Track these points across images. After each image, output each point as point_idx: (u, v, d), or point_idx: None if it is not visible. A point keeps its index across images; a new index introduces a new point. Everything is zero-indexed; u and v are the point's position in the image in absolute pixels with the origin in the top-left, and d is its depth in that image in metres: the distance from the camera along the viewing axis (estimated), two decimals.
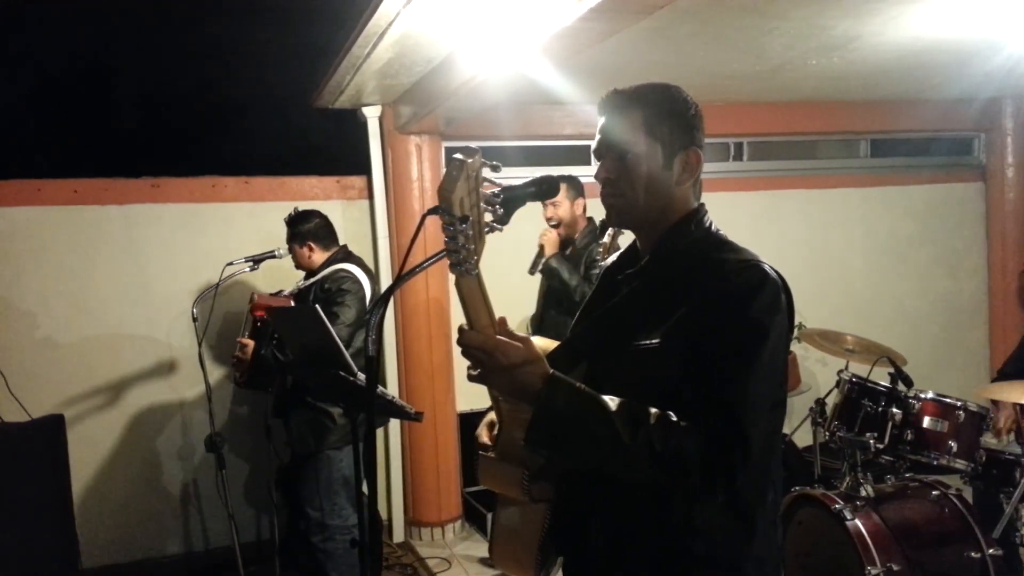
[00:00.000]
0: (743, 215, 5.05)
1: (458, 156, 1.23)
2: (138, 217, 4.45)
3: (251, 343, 3.45)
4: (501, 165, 1.34)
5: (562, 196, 3.65)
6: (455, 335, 4.82)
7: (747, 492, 1.41)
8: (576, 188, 3.75)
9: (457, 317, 4.71)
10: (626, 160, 1.49)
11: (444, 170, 4.67)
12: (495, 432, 1.57)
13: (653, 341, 1.42)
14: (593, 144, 1.56)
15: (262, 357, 3.37)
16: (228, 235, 4.51)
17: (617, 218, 1.55)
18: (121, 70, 5.46)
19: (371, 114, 4.65)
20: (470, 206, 1.24)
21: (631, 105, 1.50)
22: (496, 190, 1.32)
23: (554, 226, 3.77)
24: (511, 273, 4.76)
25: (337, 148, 5.10)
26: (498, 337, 1.34)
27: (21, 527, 3.23)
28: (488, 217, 1.31)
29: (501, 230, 1.35)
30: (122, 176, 4.48)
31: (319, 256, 3.56)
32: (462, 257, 1.25)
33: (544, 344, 1.67)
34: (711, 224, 1.55)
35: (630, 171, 1.49)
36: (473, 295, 1.31)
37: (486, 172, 1.28)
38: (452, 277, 4.59)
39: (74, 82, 5.37)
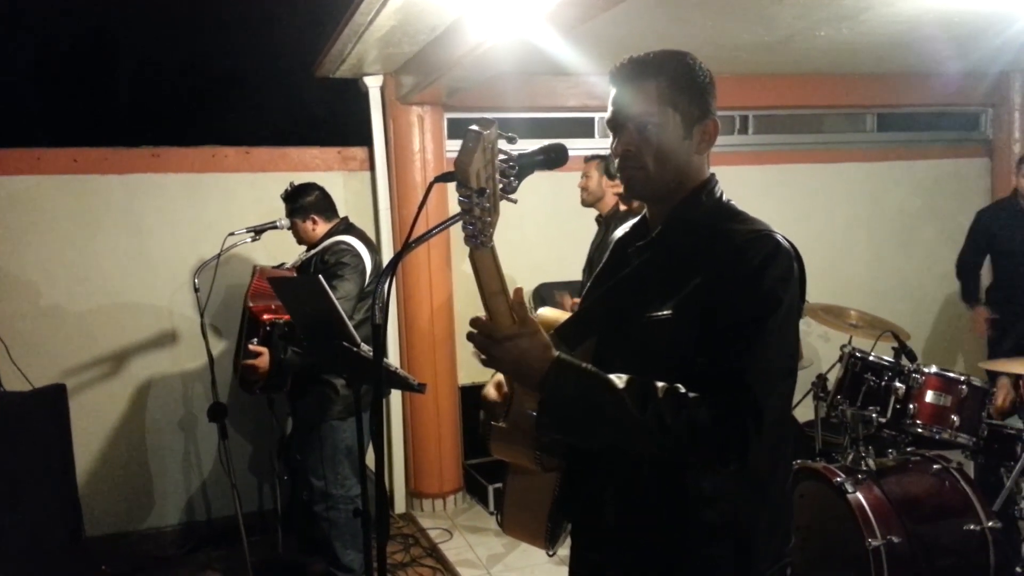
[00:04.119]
0: (748, 189, 4.93)
1: (474, 128, 1.22)
2: (138, 187, 4.42)
3: (265, 351, 3.27)
4: (516, 136, 1.32)
5: (593, 170, 3.72)
6: (457, 307, 4.80)
7: (760, 461, 1.41)
8: (609, 168, 3.76)
9: (459, 288, 4.72)
10: (646, 131, 1.47)
11: (445, 137, 4.62)
12: (505, 398, 1.56)
13: (665, 312, 1.42)
14: (607, 115, 1.53)
15: (284, 362, 3.25)
16: (229, 205, 4.49)
17: (637, 190, 1.53)
18: (122, 39, 5.41)
19: (373, 84, 4.60)
20: (486, 178, 1.22)
21: (649, 74, 1.47)
22: (504, 156, 1.30)
23: (584, 199, 3.78)
24: (518, 244, 4.75)
25: (339, 118, 5.07)
26: (505, 329, 1.33)
27: (24, 497, 3.25)
28: (500, 187, 1.30)
29: (515, 201, 1.34)
30: (122, 145, 4.44)
31: (322, 228, 3.53)
32: (478, 229, 1.24)
33: (555, 316, 1.65)
34: (722, 194, 1.54)
35: (651, 142, 1.47)
36: (487, 267, 1.29)
37: (501, 144, 1.27)
38: (454, 248, 4.55)
39: (75, 51, 5.33)
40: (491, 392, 1.60)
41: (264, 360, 3.26)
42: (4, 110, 4.73)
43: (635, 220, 1.64)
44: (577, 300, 3.40)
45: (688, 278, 1.42)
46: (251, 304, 3.39)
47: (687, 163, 1.50)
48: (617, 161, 1.52)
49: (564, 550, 1.68)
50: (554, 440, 1.47)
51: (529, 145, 1.52)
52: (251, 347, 3.29)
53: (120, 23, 5.27)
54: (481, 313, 1.36)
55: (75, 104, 5.21)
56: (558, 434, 1.42)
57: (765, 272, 1.38)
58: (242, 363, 3.32)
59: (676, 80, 1.47)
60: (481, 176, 1.21)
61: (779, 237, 1.43)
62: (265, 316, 3.30)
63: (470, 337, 1.37)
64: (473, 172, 1.20)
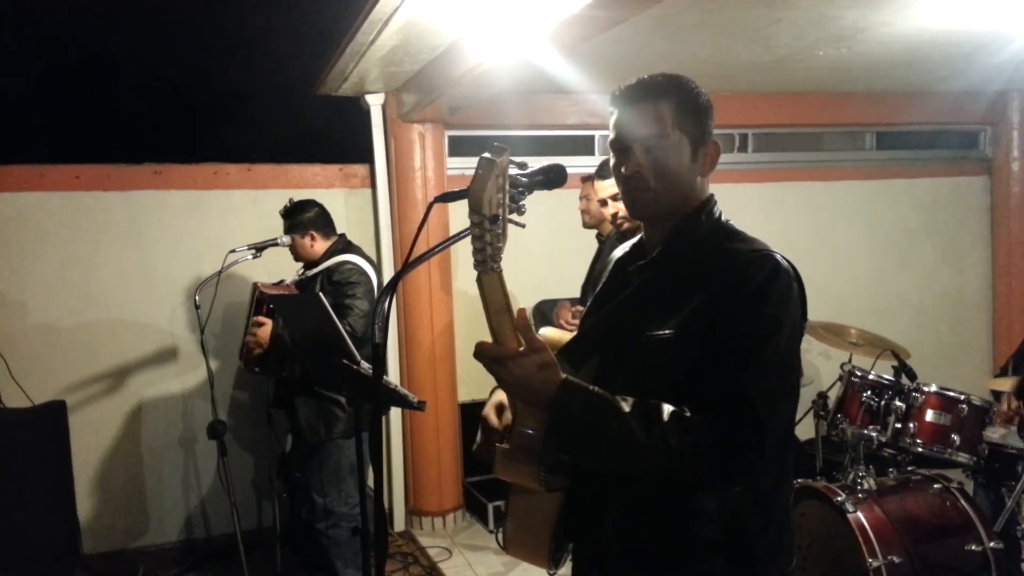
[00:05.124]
0: (747, 207, 4.99)
1: (487, 156, 1.24)
2: (141, 203, 4.44)
3: (268, 321, 3.41)
4: (527, 163, 1.33)
5: (593, 191, 3.63)
6: (457, 325, 4.79)
7: (764, 478, 1.42)
8: (602, 171, 3.72)
9: (460, 306, 4.73)
10: (655, 153, 1.47)
11: (446, 155, 4.63)
12: (505, 418, 1.56)
13: (666, 332, 1.43)
14: (612, 136, 1.53)
15: (279, 338, 3.35)
16: (230, 222, 4.51)
17: (642, 211, 1.53)
18: (125, 56, 5.44)
19: (374, 102, 4.62)
20: (497, 204, 1.24)
21: (658, 96, 1.48)
22: (510, 179, 1.32)
23: (585, 221, 3.73)
24: (519, 261, 4.76)
25: (340, 136, 5.09)
26: (513, 349, 1.33)
27: (23, 513, 3.24)
28: (513, 216, 1.32)
29: (523, 226, 1.35)
30: (125, 162, 4.47)
31: (321, 245, 3.54)
32: (488, 254, 1.26)
33: (557, 336, 1.66)
34: (720, 214, 1.55)
35: (659, 164, 1.47)
36: (495, 291, 1.31)
37: (511, 169, 1.29)
38: (455, 266, 4.54)
39: (78, 68, 5.36)
40: (491, 415, 1.61)
41: (265, 331, 3.40)
42: (7, 127, 4.76)
43: (634, 240, 1.65)
44: (579, 308, 3.38)
45: (689, 298, 1.43)
46: (257, 290, 3.56)
47: (691, 185, 1.51)
48: (622, 184, 1.52)
49: (565, 569, 1.68)
50: (559, 460, 1.48)
51: (529, 163, 1.54)
52: (255, 318, 3.46)
53: (123, 41, 5.31)
54: (483, 331, 1.36)
55: (78, 121, 5.24)
56: (564, 455, 1.44)
57: (765, 293, 1.39)
58: (246, 336, 3.54)
59: (683, 103, 1.48)
60: (493, 203, 1.23)
61: (779, 257, 1.44)
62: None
63: (477, 358, 1.37)
64: (486, 199, 1.22)
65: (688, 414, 1.35)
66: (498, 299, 1.31)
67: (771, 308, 1.39)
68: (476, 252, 1.26)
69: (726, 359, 1.37)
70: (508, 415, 1.55)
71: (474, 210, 1.23)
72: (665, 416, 1.34)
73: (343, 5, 3.46)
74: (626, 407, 1.35)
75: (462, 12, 3.21)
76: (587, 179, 3.75)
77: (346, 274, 3.37)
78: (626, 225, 3.01)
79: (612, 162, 1.54)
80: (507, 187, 1.27)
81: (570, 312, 3.83)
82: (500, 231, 1.25)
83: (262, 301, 3.48)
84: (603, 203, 3.20)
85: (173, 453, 4.55)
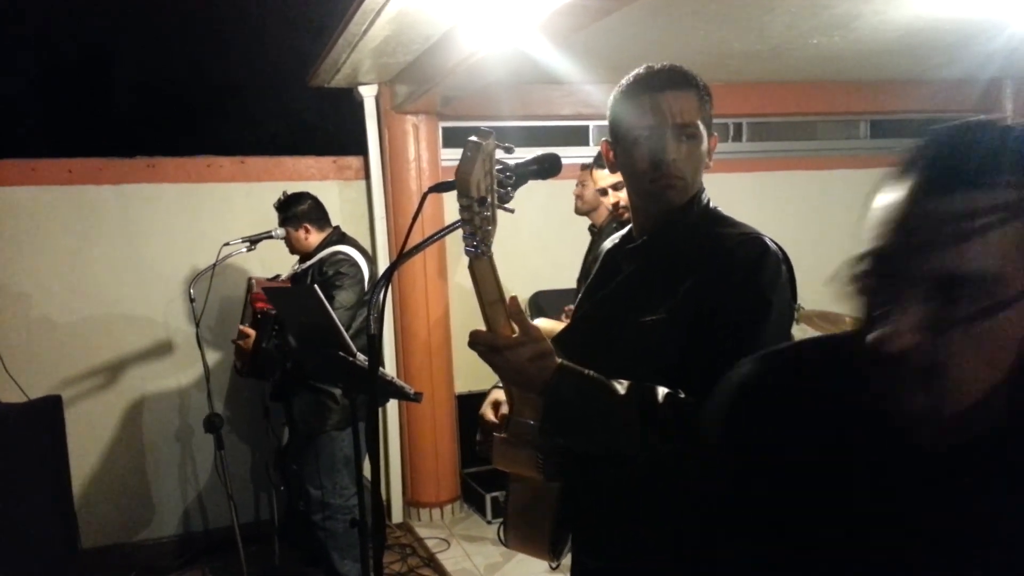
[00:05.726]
0: (741, 196, 4.94)
1: (473, 139, 1.23)
2: (134, 197, 4.42)
3: (252, 332, 3.41)
4: (514, 147, 1.33)
5: (590, 178, 3.48)
6: (453, 315, 4.76)
7: None
8: (600, 160, 3.68)
9: (455, 297, 4.72)
10: (693, 142, 1.47)
11: (440, 146, 4.62)
12: (503, 412, 1.57)
13: (657, 316, 1.43)
14: (648, 120, 1.45)
15: (265, 350, 3.34)
16: (224, 215, 4.49)
17: (672, 201, 1.49)
18: (117, 50, 5.42)
19: (367, 93, 4.61)
20: (486, 188, 1.24)
21: (690, 84, 1.48)
22: (500, 167, 1.32)
23: (578, 207, 3.68)
24: (515, 252, 4.76)
25: (334, 128, 5.08)
26: (508, 336, 1.33)
27: (20, 508, 3.24)
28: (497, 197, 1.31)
29: (512, 211, 1.35)
30: (118, 156, 4.45)
31: (315, 238, 3.54)
32: (478, 239, 1.25)
33: (550, 327, 1.67)
34: (708, 201, 1.55)
35: (693, 153, 1.47)
36: (486, 276, 1.30)
37: (498, 154, 1.29)
38: (450, 257, 4.53)
39: (71, 62, 5.34)
40: (488, 413, 1.61)
41: (248, 343, 3.42)
42: (1, 123, 4.74)
43: (623, 231, 1.65)
44: (569, 308, 3.36)
45: (679, 282, 1.43)
46: (252, 284, 3.59)
47: (701, 175, 1.52)
48: (652, 171, 1.47)
49: (566, 561, 1.68)
50: (555, 447, 1.49)
51: (524, 154, 1.53)
52: (240, 328, 3.50)
53: (116, 34, 5.28)
54: (478, 320, 1.36)
55: (71, 115, 5.22)
56: (560, 439, 1.44)
57: (754, 275, 1.40)
58: (233, 340, 3.58)
59: (704, 93, 1.49)
60: (481, 186, 1.23)
61: (766, 239, 1.45)
62: (258, 304, 3.44)
63: (472, 346, 1.37)
64: (473, 182, 1.22)
65: (683, 396, 1.35)
66: (490, 285, 1.31)
67: (760, 292, 1.39)
68: (466, 237, 1.26)
69: (717, 344, 1.37)
70: (505, 409, 1.56)
71: (462, 193, 1.22)
72: (660, 398, 1.34)
73: None
74: (620, 389, 1.35)
75: (454, 2, 3.20)
76: (587, 167, 3.73)
77: (336, 265, 3.37)
78: (627, 215, 2.99)
79: (634, 150, 1.48)
80: (494, 171, 1.27)
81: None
82: (489, 214, 1.25)
83: (255, 307, 3.47)
84: (603, 192, 3.17)
85: (170, 447, 4.55)
